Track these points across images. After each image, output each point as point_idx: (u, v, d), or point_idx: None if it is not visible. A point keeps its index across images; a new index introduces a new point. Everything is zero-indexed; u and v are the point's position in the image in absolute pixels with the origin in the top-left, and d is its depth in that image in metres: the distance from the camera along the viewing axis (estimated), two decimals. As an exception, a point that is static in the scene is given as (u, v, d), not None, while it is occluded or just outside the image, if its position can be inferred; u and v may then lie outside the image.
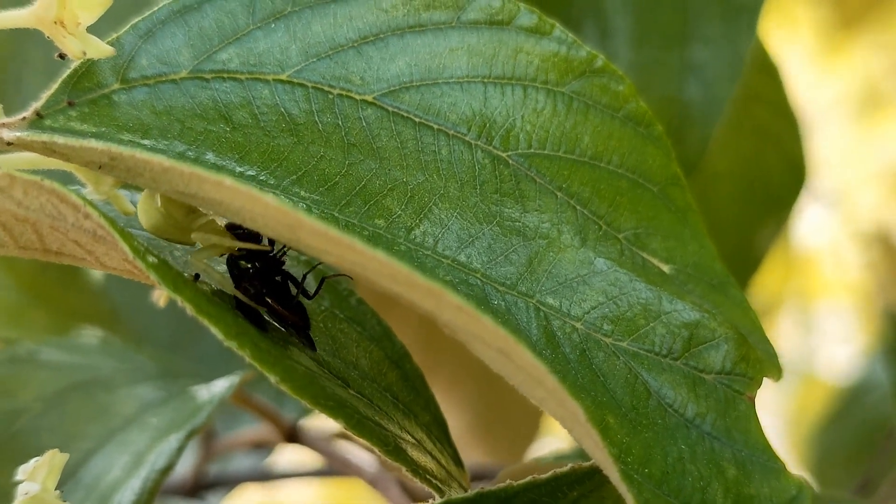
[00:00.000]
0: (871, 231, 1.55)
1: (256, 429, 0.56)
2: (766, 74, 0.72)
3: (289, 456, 0.67)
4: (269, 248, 0.33)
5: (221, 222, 0.33)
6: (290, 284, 0.34)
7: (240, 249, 0.32)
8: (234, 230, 0.32)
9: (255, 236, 0.33)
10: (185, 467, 0.62)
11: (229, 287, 0.32)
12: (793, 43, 1.76)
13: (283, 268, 0.33)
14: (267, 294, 0.33)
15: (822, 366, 1.80)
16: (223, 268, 0.33)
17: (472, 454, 0.91)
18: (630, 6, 0.57)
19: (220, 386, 0.45)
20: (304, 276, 0.34)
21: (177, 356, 0.60)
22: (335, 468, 0.52)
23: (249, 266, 0.33)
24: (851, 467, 0.96)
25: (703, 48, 0.57)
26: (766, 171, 0.73)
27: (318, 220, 0.27)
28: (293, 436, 0.51)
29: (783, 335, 1.85)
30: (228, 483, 0.65)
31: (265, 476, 0.66)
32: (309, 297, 0.34)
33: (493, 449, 0.90)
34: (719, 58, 0.57)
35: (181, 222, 0.32)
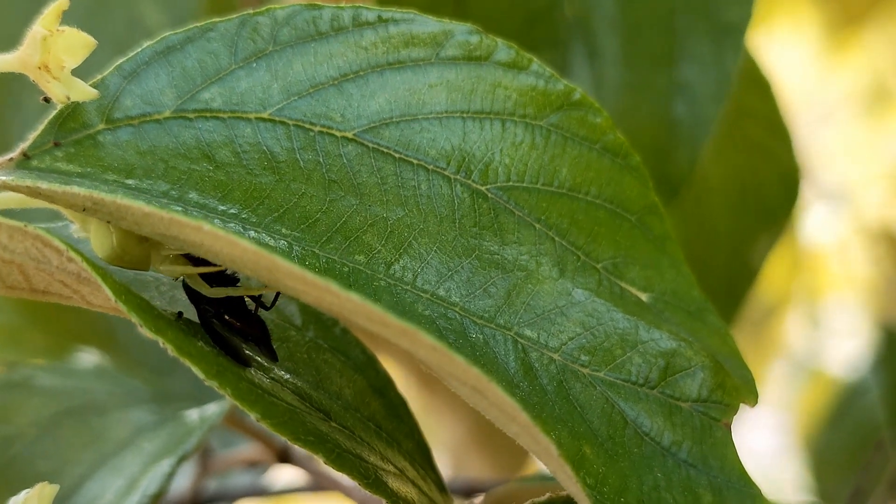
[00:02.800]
0: (879, 227, 1.56)
1: (251, 448, 0.57)
2: (758, 89, 0.72)
3: (286, 473, 0.67)
4: (223, 268, 0.33)
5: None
6: (248, 299, 0.34)
7: (211, 276, 0.33)
8: (190, 256, 0.33)
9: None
10: (184, 483, 0.62)
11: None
12: (799, 40, 1.76)
13: (238, 284, 0.34)
14: (225, 311, 0.33)
15: (829, 361, 1.81)
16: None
17: (474, 460, 0.91)
18: (617, 27, 0.57)
19: (212, 410, 0.46)
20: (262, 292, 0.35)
21: (173, 376, 0.61)
22: (326, 486, 0.53)
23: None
24: (849, 470, 0.96)
25: (691, 68, 0.57)
26: (759, 184, 0.74)
27: (293, 264, 0.28)
28: (285, 456, 0.52)
29: (791, 331, 1.85)
30: (227, 499, 0.65)
31: (262, 492, 0.67)
32: (267, 309, 0.35)
33: (495, 455, 0.90)
34: (707, 77, 0.57)
35: (136, 255, 0.32)
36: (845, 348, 1.71)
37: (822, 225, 1.79)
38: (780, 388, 1.79)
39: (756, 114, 0.73)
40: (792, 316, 1.84)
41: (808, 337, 1.89)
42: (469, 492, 0.63)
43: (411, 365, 0.76)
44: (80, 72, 0.34)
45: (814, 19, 1.70)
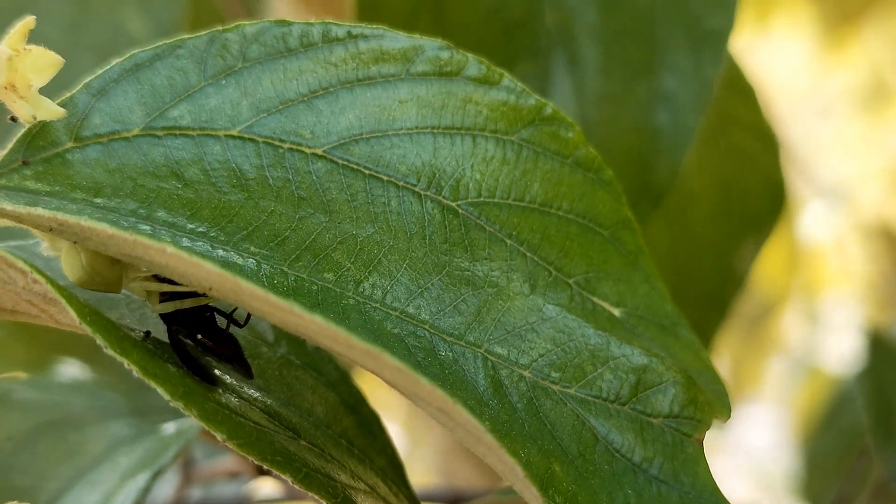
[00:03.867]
0: (876, 223, 1.56)
1: (232, 459, 0.57)
2: (742, 96, 0.73)
3: (268, 484, 0.67)
4: (192, 289, 0.33)
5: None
6: (220, 317, 0.34)
7: (165, 293, 0.33)
8: (159, 277, 0.33)
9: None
10: (166, 493, 0.62)
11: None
12: (797, 37, 1.76)
13: (209, 303, 0.34)
14: (197, 331, 0.33)
15: (827, 358, 1.81)
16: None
17: (461, 466, 0.92)
18: (598, 36, 0.57)
19: (190, 423, 0.46)
20: (234, 309, 0.35)
21: (155, 390, 0.61)
22: (306, 497, 0.53)
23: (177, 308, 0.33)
24: (838, 473, 0.96)
25: (672, 77, 0.57)
26: (744, 191, 0.74)
27: (257, 286, 0.28)
28: (262, 468, 0.52)
29: (788, 327, 1.86)
30: (210, 509, 0.65)
31: (245, 502, 0.67)
32: (240, 326, 0.35)
33: (483, 463, 0.90)
34: (688, 86, 0.57)
35: (106, 276, 0.32)
36: (842, 345, 1.72)
37: (819, 221, 1.79)
38: (776, 385, 1.80)
39: (741, 120, 0.73)
40: (789, 312, 1.85)
41: (806, 333, 1.89)
42: (453, 501, 0.63)
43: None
44: (60, 83, 0.34)
45: (811, 16, 1.70)
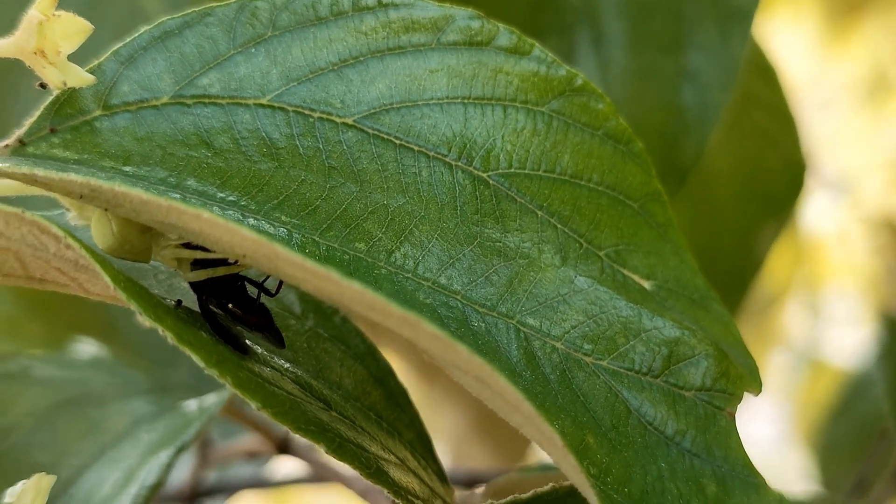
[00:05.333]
0: (879, 216, 1.55)
1: (251, 439, 0.57)
2: (764, 77, 0.72)
3: (286, 464, 0.67)
4: (224, 256, 0.33)
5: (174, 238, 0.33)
6: (251, 286, 0.34)
7: (196, 261, 0.33)
8: (189, 245, 0.32)
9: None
10: (183, 474, 0.62)
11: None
12: (800, 28, 1.76)
13: (240, 272, 0.34)
14: (228, 300, 0.33)
15: (830, 350, 1.81)
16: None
17: (474, 451, 0.91)
18: (624, 12, 0.57)
19: (211, 400, 0.45)
20: (266, 278, 0.35)
21: (173, 366, 0.61)
22: (327, 477, 0.53)
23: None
24: (853, 460, 0.96)
25: (698, 54, 0.57)
26: (765, 172, 0.73)
27: (293, 252, 0.28)
28: (285, 447, 0.51)
29: (791, 320, 1.85)
30: (227, 490, 0.65)
31: (262, 483, 0.67)
32: (272, 295, 0.35)
33: (496, 446, 0.90)
34: (714, 63, 0.57)
35: (136, 244, 0.32)
36: (846, 338, 1.71)
37: (822, 214, 1.79)
38: (780, 378, 1.79)
39: (762, 101, 0.72)
40: (792, 305, 1.84)
41: (809, 326, 1.89)
42: (470, 482, 0.63)
43: (411, 356, 0.76)
44: (78, 58, 0.33)
45: (814, 8, 1.70)
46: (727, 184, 0.72)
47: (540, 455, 0.76)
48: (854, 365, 1.14)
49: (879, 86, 1.88)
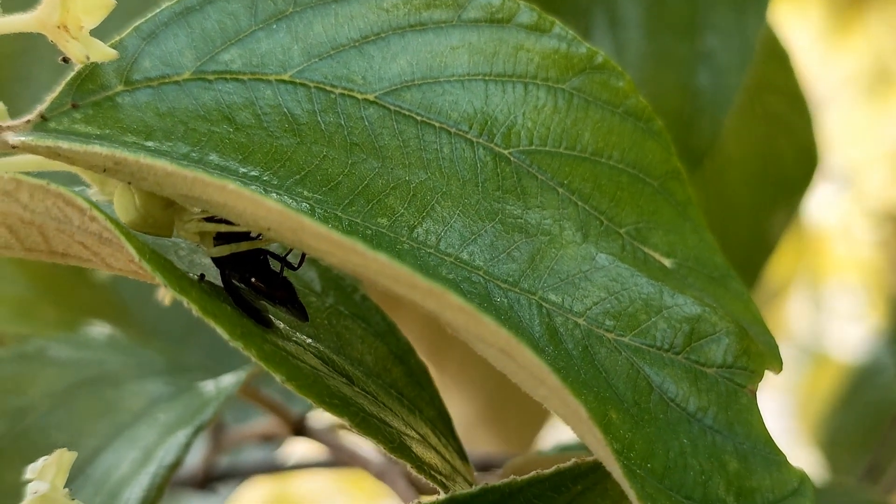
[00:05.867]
0: (882, 209, 1.55)
1: (265, 422, 0.57)
2: (777, 61, 0.72)
3: (299, 448, 0.67)
4: (247, 230, 0.33)
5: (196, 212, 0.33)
6: (273, 260, 0.34)
7: (219, 235, 0.33)
8: (212, 218, 0.32)
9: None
10: (195, 459, 0.62)
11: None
12: (802, 22, 1.76)
13: (263, 247, 0.34)
14: (251, 274, 0.33)
15: (833, 344, 1.81)
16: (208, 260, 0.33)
17: (483, 440, 0.91)
18: (640, -5, 0.57)
19: (228, 381, 0.45)
20: (288, 251, 0.35)
21: (186, 349, 0.61)
22: (343, 460, 0.53)
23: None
24: (862, 449, 0.96)
25: (714, 37, 0.57)
26: (778, 157, 0.73)
27: (319, 224, 0.27)
28: (301, 429, 0.51)
29: (795, 313, 1.85)
30: (239, 475, 0.65)
31: (275, 468, 0.67)
32: (294, 269, 0.35)
33: (504, 434, 0.90)
34: (729, 46, 0.57)
35: (159, 219, 0.32)
36: (848, 330, 1.71)
37: (825, 207, 1.79)
38: (783, 371, 1.79)
39: (776, 86, 0.72)
40: (795, 298, 1.84)
41: (812, 320, 1.89)
42: (485, 466, 0.63)
43: (421, 340, 0.76)
44: (100, 34, 0.33)
45: (817, 2, 1.70)
46: (740, 168, 0.72)
47: (548, 443, 0.76)
48: (859, 356, 1.14)
49: (882, 79, 1.88)
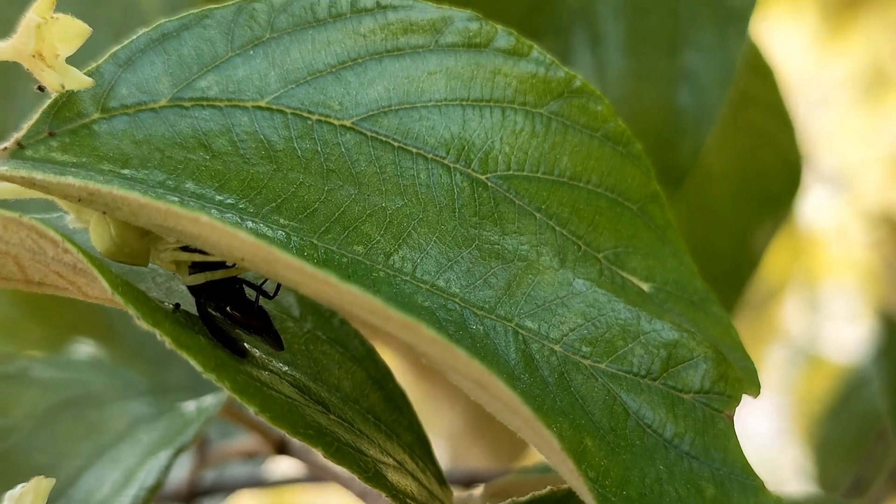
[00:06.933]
0: (877, 211, 1.55)
1: (249, 439, 0.56)
2: (761, 76, 0.72)
3: (283, 464, 0.67)
4: (222, 260, 0.33)
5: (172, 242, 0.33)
6: (249, 288, 0.34)
7: (195, 264, 0.33)
8: (189, 248, 0.32)
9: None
10: (180, 474, 0.62)
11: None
12: (798, 24, 1.76)
13: (238, 275, 0.34)
14: (226, 303, 0.33)
15: (827, 345, 1.81)
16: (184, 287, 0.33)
17: (473, 450, 0.91)
18: (621, 13, 0.56)
19: (209, 401, 0.45)
20: (264, 281, 0.35)
21: (171, 368, 0.61)
22: (326, 478, 0.53)
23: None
24: (851, 458, 0.96)
25: (695, 54, 0.57)
26: (762, 171, 0.73)
27: (292, 256, 0.27)
28: (283, 447, 0.51)
29: (790, 315, 1.86)
30: (224, 490, 0.65)
31: (260, 483, 0.67)
32: (270, 298, 0.35)
33: (494, 445, 0.90)
34: (711, 64, 0.57)
35: (135, 248, 0.32)
36: (844, 333, 1.72)
37: (820, 209, 1.79)
38: (778, 373, 1.80)
39: (759, 100, 0.72)
40: (790, 300, 1.84)
41: (807, 321, 1.89)
42: (468, 482, 0.63)
43: (409, 355, 0.76)
44: (76, 59, 0.33)
45: (812, 4, 1.70)
46: (724, 182, 0.72)
47: (538, 456, 0.76)
48: (852, 361, 1.14)
49: (877, 81, 1.88)
